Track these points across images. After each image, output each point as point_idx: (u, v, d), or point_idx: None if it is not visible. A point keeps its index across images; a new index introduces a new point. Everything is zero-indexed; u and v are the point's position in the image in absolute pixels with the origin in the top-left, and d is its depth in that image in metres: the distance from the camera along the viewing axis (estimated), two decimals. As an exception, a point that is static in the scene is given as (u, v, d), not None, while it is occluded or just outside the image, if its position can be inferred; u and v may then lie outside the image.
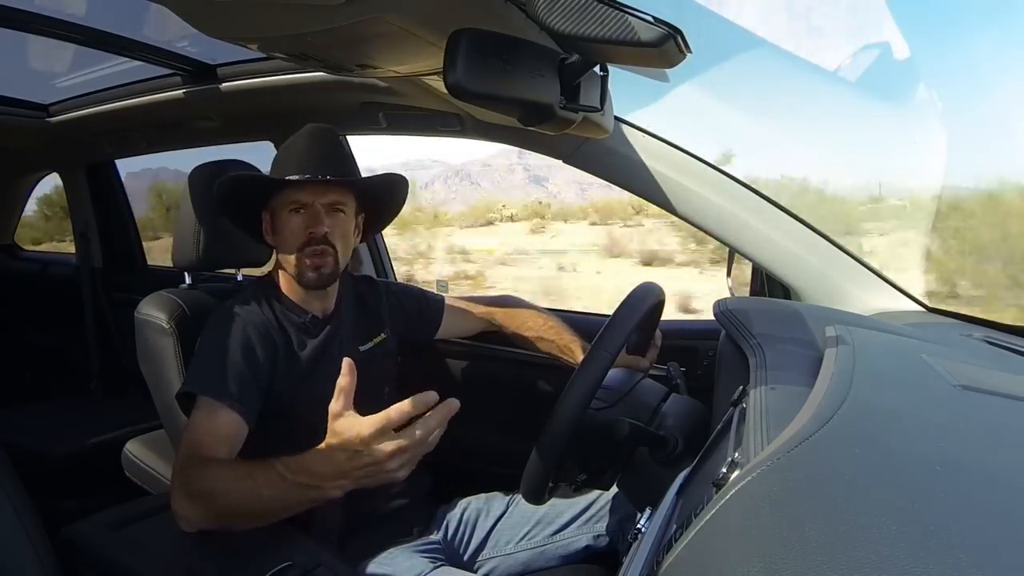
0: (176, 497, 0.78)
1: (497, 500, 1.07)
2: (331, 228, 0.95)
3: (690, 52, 0.52)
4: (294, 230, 0.95)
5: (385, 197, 1.06)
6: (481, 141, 1.31)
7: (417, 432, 0.66)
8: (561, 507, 1.02)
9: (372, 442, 0.66)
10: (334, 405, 0.68)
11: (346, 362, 0.69)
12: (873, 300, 1.06)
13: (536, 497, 0.77)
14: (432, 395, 0.67)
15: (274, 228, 0.98)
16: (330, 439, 0.69)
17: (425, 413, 0.67)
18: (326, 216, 0.95)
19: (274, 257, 1.04)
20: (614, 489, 0.89)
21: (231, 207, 0.99)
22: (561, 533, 1.02)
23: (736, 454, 0.47)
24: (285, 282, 1.00)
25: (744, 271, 1.23)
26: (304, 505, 0.74)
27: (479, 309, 1.23)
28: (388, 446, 0.66)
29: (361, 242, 1.11)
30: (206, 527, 0.77)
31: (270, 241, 1.00)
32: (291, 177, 0.93)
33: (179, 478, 0.80)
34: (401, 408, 0.66)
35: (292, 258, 0.95)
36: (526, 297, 1.28)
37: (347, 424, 0.67)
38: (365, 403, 1.07)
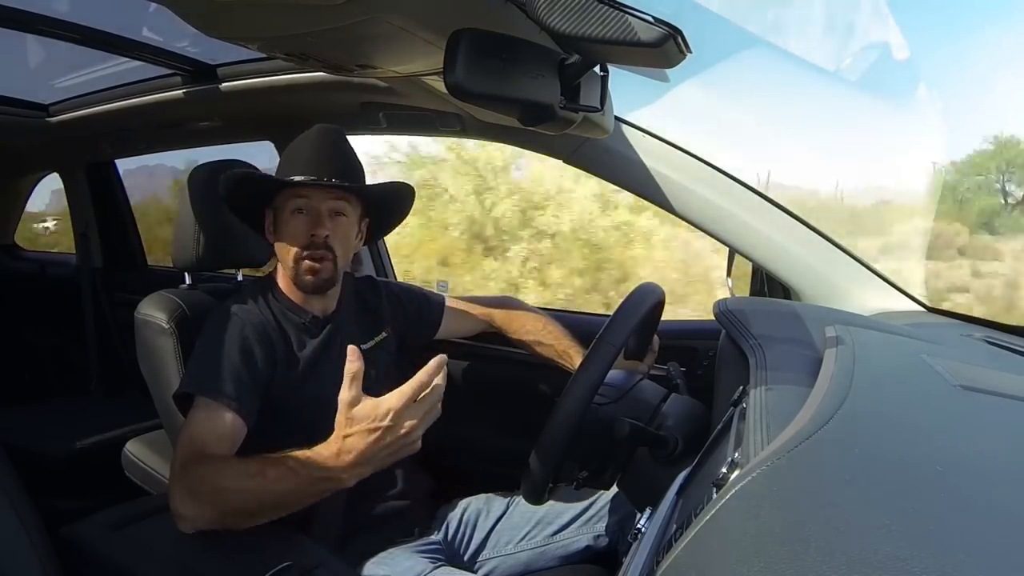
0: (177, 497, 0.78)
1: (497, 500, 1.07)
2: (332, 232, 0.94)
3: (690, 52, 0.52)
4: (295, 232, 0.94)
5: (390, 204, 1.05)
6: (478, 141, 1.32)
7: (432, 394, 0.69)
8: (561, 507, 1.02)
9: (404, 414, 0.69)
10: (346, 394, 0.70)
11: (351, 349, 0.70)
12: (873, 300, 1.05)
13: (536, 497, 0.77)
14: (443, 358, 0.70)
15: (276, 228, 0.98)
16: (349, 428, 0.70)
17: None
18: (328, 220, 0.94)
19: (275, 257, 1.04)
20: (614, 489, 0.89)
21: (235, 203, 0.99)
22: (561, 533, 1.02)
23: (736, 454, 0.47)
24: (285, 282, 1.00)
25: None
26: (316, 497, 0.76)
27: (479, 310, 1.23)
28: (415, 415, 0.69)
29: (363, 244, 1.10)
30: (208, 527, 0.77)
31: (270, 240, 1.00)
32: (295, 178, 0.92)
33: (182, 478, 0.79)
34: (428, 370, 0.69)
35: (291, 259, 0.95)
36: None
37: (370, 406, 0.69)
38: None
